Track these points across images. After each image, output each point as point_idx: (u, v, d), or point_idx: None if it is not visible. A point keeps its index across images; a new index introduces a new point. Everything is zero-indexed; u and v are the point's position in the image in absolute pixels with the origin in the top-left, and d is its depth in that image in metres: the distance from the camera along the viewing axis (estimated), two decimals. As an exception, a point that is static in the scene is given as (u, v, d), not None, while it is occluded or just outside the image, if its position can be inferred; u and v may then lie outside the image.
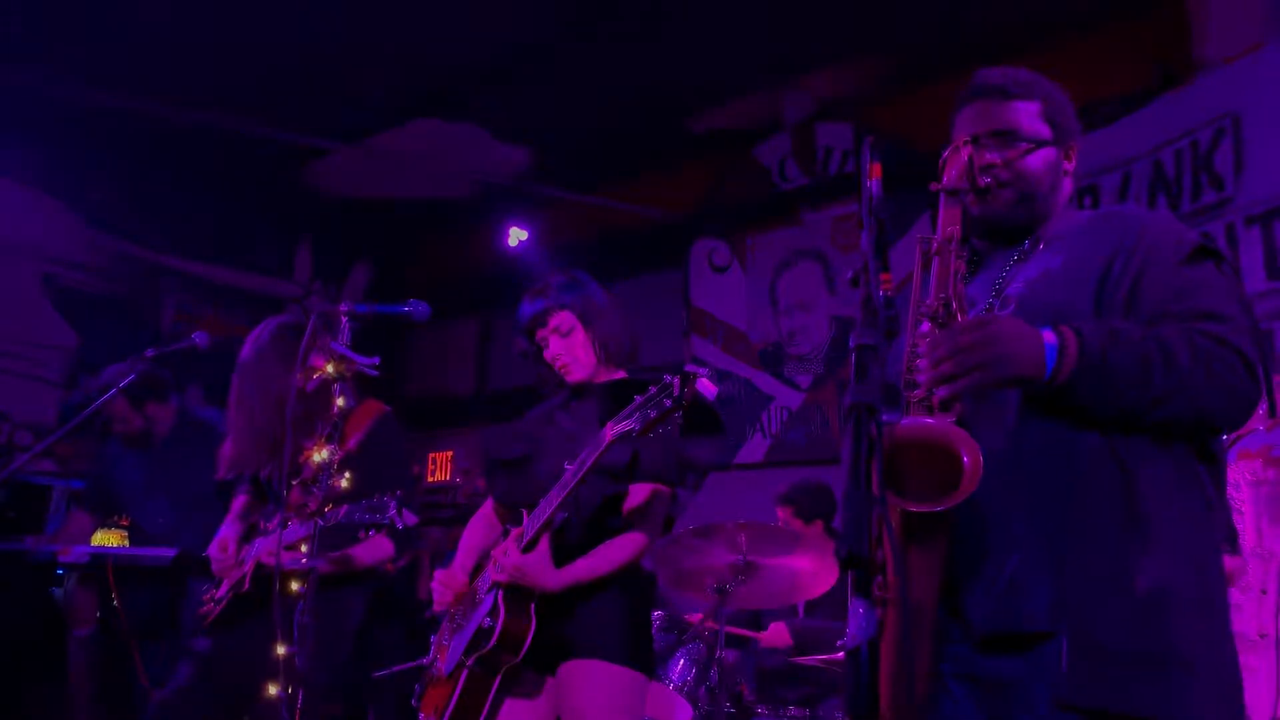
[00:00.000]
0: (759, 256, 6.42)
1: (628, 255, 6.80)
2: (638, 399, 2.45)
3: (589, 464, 2.55)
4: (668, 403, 2.38)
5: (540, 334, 2.89)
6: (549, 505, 2.62)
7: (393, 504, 2.61)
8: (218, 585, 3.24)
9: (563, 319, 2.86)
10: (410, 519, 2.65)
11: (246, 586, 3.09)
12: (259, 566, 3.08)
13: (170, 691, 3.18)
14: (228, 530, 3.27)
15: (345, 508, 2.68)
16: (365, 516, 2.65)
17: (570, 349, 2.86)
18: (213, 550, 3.22)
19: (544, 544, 2.65)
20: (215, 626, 3.19)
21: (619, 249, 6.87)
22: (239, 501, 3.40)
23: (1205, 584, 1.66)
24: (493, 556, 2.72)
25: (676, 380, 2.38)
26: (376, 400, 3.25)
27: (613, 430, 2.49)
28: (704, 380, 2.38)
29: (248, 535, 3.28)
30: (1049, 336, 1.60)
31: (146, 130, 6.17)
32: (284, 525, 2.71)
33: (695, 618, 4.17)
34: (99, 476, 4.62)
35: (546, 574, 2.64)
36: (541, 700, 2.77)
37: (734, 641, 4.39)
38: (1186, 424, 1.65)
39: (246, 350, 3.20)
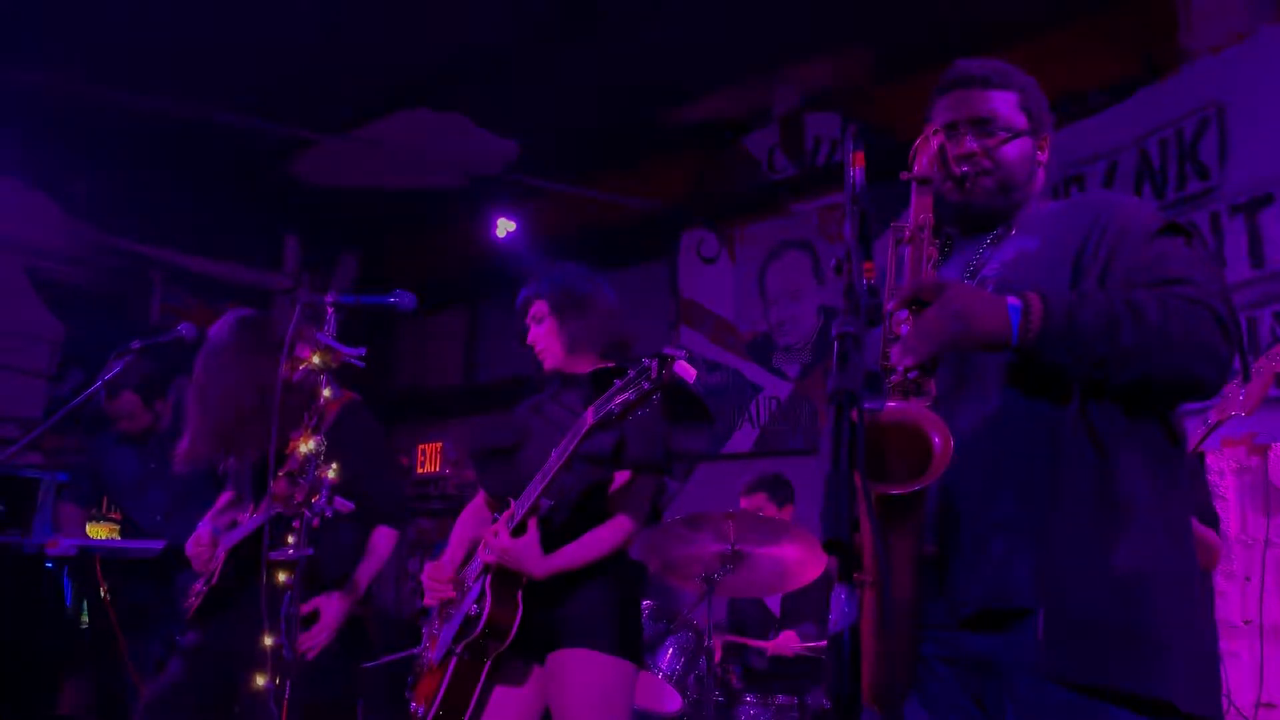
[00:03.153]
0: (747, 247, 6.42)
1: (616, 246, 6.79)
2: (617, 383, 2.50)
3: (571, 448, 2.58)
4: (646, 385, 2.42)
5: (525, 321, 2.98)
6: (534, 489, 2.64)
7: (324, 492, 2.59)
8: (200, 579, 3.25)
9: (538, 308, 2.94)
10: (344, 505, 2.63)
11: (216, 580, 3.10)
12: (229, 558, 3.08)
13: (160, 686, 3.18)
14: (205, 526, 3.27)
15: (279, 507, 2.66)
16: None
17: (541, 336, 2.93)
18: (189, 547, 3.22)
19: (533, 530, 2.67)
20: (196, 619, 3.19)
21: (607, 240, 6.86)
22: (224, 496, 3.40)
23: (1181, 560, 1.68)
24: (483, 538, 2.73)
25: (654, 363, 2.41)
26: (347, 390, 3.25)
27: (593, 414, 2.52)
28: (682, 363, 2.40)
29: (229, 528, 3.28)
30: (1012, 300, 1.61)
31: (132, 123, 6.14)
32: (270, 516, 2.71)
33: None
34: (88, 468, 4.61)
35: (534, 559, 2.66)
36: (530, 688, 2.78)
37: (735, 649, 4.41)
38: (1162, 382, 1.64)
39: (204, 348, 3.21)
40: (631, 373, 2.47)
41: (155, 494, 4.28)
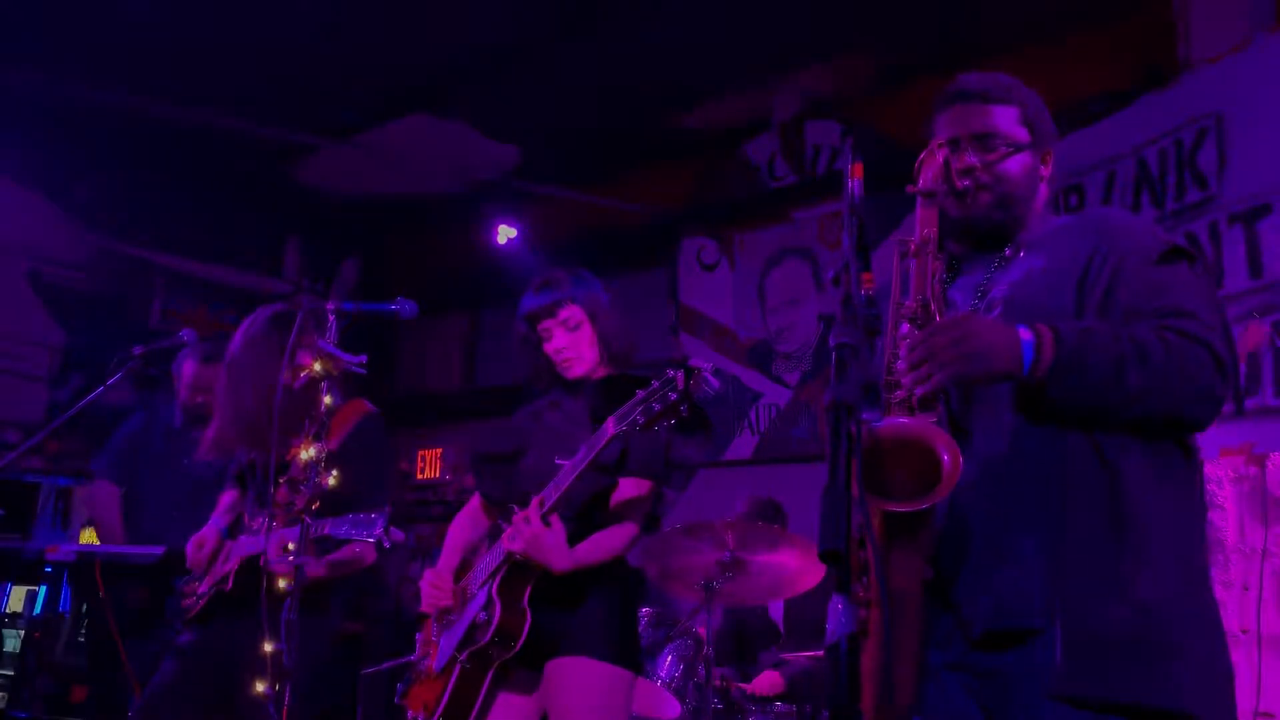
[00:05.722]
0: (748, 254, 6.43)
1: (617, 253, 6.80)
2: (640, 393, 2.44)
3: (592, 456, 2.55)
4: (673, 396, 2.38)
5: (545, 324, 2.88)
6: (561, 484, 2.59)
7: (380, 521, 2.60)
8: (200, 580, 3.24)
9: (572, 313, 2.86)
10: (397, 535, 2.64)
11: (230, 586, 3.09)
12: (243, 565, 3.08)
13: (154, 687, 3.17)
14: (209, 528, 3.27)
15: (329, 521, 2.66)
16: (351, 532, 2.65)
17: (576, 344, 2.86)
18: (189, 548, 3.22)
19: (558, 524, 2.63)
20: (197, 621, 3.19)
21: (608, 246, 6.87)
22: (227, 497, 3.40)
23: (1192, 574, 1.69)
24: (513, 523, 2.65)
25: (680, 374, 2.37)
26: (364, 400, 3.25)
27: (615, 425, 2.48)
28: (708, 375, 2.38)
29: (232, 531, 3.28)
30: (1025, 334, 1.62)
31: (135, 127, 6.16)
32: (270, 523, 2.70)
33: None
34: (136, 433, 4.56)
35: (560, 552, 2.62)
36: (530, 695, 2.78)
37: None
38: (1158, 421, 1.68)
39: (238, 338, 3.20)
40: (655, 384, 2.42)
41: (187, 492, 4.25)
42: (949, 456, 1.55)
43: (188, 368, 4.23)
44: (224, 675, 3.03)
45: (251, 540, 3.11)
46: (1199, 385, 1.63)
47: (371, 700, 5.37)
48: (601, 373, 2.91)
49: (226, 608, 3.10)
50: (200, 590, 3.21)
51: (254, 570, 3.05)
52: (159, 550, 3.98)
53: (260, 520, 3.16)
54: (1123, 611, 1.61)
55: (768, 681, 4.16)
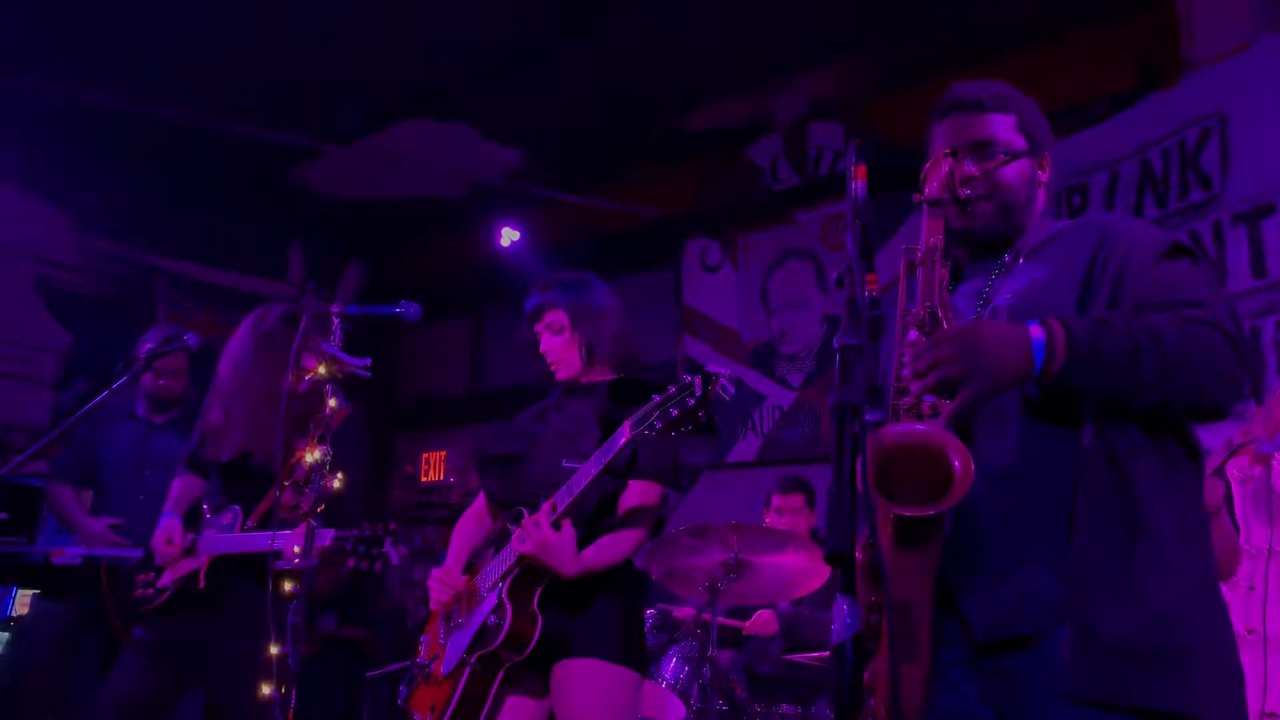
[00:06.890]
0: (751, 256, 6.44)
1: (620, 255, 6.80)
2: (656, 398, 2.45)
3: (608, 459, 2.55)
4: (691, 402, 2.38)
5: (536, 327, 2.95)
6: (573, 489, 2.60)
7: (388, 540, 2.62)
8: (158, 573, 3.22)
9: (555, 317, 2.90)
10: (402, 550, 2.66)
11: (202, 584, 3.07)
12: (214, 563, 3.07)
13: (112, 683, 3.15)
14: (170, 520, 3.25)
15: (333, 533, 2.67)
16: (357, 548, 2.66)
17: (559, 348, 2.90)
18: (157, 541, 3.20)
19: (569, 529, 2.64)
20: (155, 615, 3.18)
21: (611, 249, 6.88)
22: (179, 483, 3.37)
23: (1203, 576, 1.69)
24: (523, 525, 2.67)
25: (698, 380, 2.38)
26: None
27: (631, 430, 2.49)
28: (724, 380, 2.39)
29: (190, 523, 3.25)
30: (1036, 332, 1.61)
31: (138, 132, 6.17)
32: (275, 526, 2.71)
33: (686, 612, 4.20)
34: (82, 442, 4.56)
35: (569, 556, 2.63)
36: (538, 698, 2.79)
37: (726, 640, 4.39)
38: (1179, 406, 1.67)
39: (247, 335, 3.19)
40: (672, 389, 2.42)
41: (151, 478, 4.24)
42: (961, 462, 1.54)
43: (150, 352, 4.22)
44: (188, 672, 3.03)
45: (225, 538, 3.10)
46: (1217, 365, 1.62)
47: (376, 703, 5.38)
48: (594, 375, 2.92)
49: (192, 604, 3.09)
50: (161, 584, 3.18)
51: (227, 569, 3.05)
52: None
53: (228, 517, 3.14)
54: (1136, 614, 1.60)
55: (761, 620, 4.20)
